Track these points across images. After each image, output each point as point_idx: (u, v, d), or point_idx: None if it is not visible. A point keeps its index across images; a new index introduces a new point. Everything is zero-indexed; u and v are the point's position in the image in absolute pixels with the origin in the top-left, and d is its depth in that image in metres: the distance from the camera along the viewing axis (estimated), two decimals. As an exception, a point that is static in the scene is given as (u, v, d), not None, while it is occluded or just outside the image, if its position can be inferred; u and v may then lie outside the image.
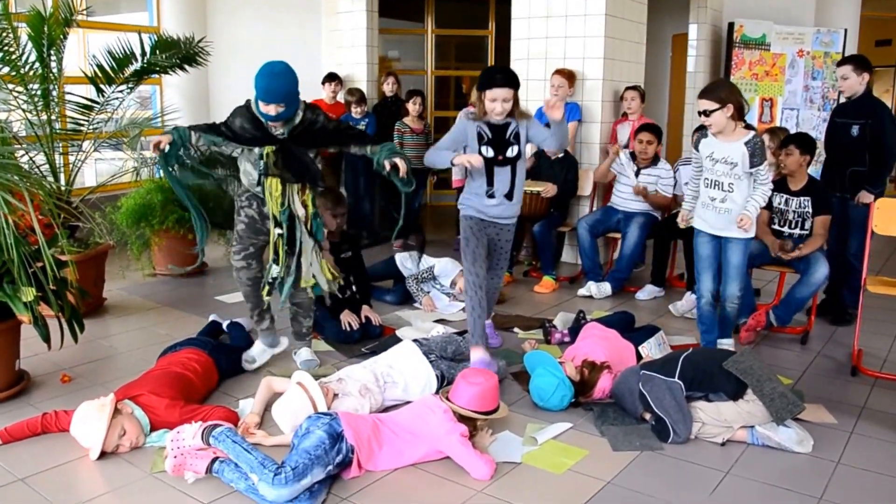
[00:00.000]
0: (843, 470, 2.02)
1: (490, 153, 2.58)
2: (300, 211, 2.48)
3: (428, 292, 3.60)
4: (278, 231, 2.48)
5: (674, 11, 6.22)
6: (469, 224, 2.68)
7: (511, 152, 2.59)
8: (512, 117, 2.57)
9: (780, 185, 3.24)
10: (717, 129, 2.61)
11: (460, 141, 2.62)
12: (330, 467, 1.87)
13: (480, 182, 2.63)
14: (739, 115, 2.59)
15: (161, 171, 2.45)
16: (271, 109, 2.31)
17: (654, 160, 3.86)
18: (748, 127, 2.72)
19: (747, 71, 5.59)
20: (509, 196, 2.64)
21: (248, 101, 2.41)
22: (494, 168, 2.60)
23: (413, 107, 4.82)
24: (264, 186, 2.44)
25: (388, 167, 2.40)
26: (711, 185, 2.68)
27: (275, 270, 2.52)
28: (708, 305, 2.79)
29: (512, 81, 2.52)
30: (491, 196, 2.62)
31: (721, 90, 2.59)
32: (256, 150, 2.41)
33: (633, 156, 3.91)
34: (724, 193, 2.65)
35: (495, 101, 2.49)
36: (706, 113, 2.58)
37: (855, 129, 3.28)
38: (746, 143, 2.58)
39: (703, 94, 2.61)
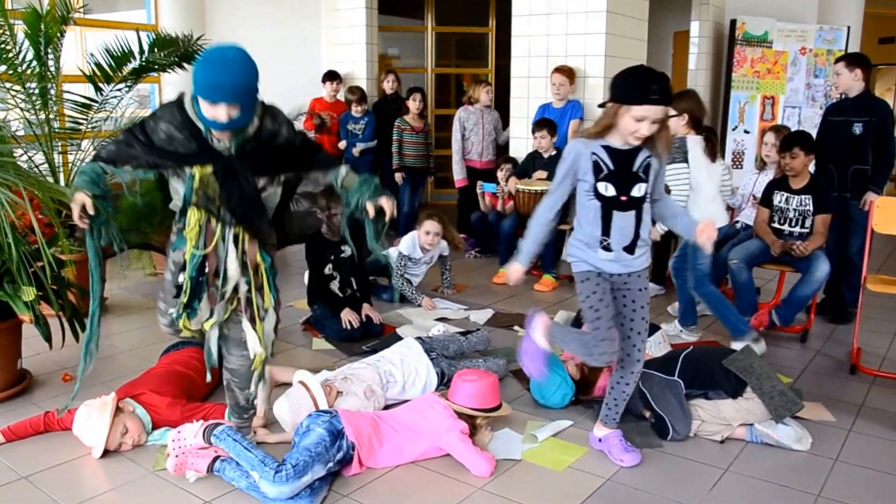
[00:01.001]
0: (841, 467, 2.03)
1: (610, 192, 1.85)
2: (232, 266, 1.78)
3: (422, 295, 3.56)
4: (179, 277, 1.82)
5: (675, 8, 6.20)
6: (585, 277, 1.93)
7: (638, 191, 1.87)
8: (645, 143, 1.86)
9: (781, 183, 3.24)
10: (675, 132, 2.85)
11: (571, 175, 1.90)
12: (331, 464, 1.87)
13: (593, 228, 1.89)
14: (695, 124, 2.93)
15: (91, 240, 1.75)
16: (221, 113, 1.62)
17: None
18: (706, 130, 3.03)
19: (749, 69, 5.58)
20: (630, 249, 1.91)
21: (180, 98, 1.72)
22: (613, 212, 1.87)
23: (413, 104, 4.82)
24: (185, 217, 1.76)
25: (371, 212, 1.80)
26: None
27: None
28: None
29: (669, 96, 1.83)
30: (606, 248, 1.90)
31: (683, 100, 2.90)
32: (187, 169, 1.73)
33: None
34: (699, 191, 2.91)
35: (642, 122, 1.78)
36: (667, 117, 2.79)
37: (857, 128, 3.27)
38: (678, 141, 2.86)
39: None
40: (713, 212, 2.89)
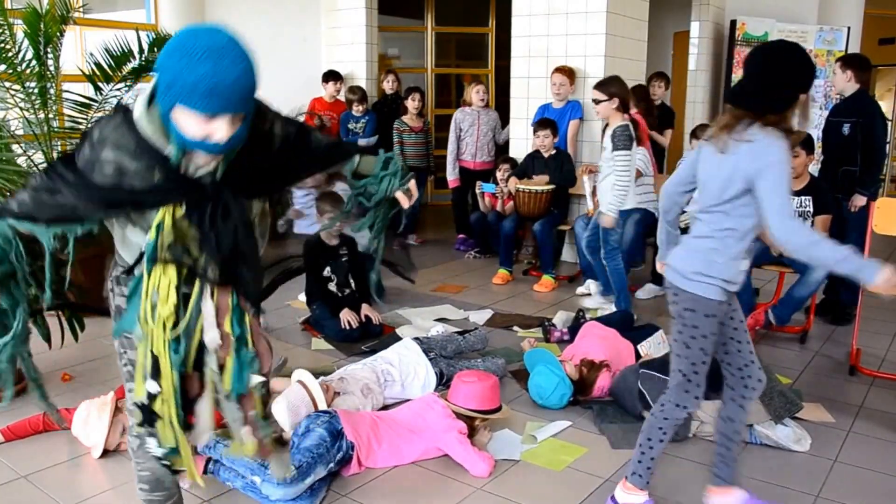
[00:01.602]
0: (840, 468, 2.03)
1: None
2: (211, 335, 1.17)
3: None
4: (151, 390, 1.16)
5: (675, 9, 6.20)
6: (713, 310, 1.60)
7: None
8: None
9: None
10: (603, 117, 3.18)
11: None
12: (331, 465, 1.88)
13: (750, 235, 1.59)
14: (624, 108, 3.16)
15: None
16: (220, 130, 1.10)
17: None
18: (633, 120, 3.21)
19: (748, 68, 5.57)
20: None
21: (127, 113, 1.15)
22: None
23: (412, 103, 4.82)
24: (146, 283, 1.15)
25: (404, 202, 1.41)
26: (600, 167, 3.27)
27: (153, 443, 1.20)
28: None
29: None
30: (748, 255, 1.65)
31: (612, 85, 3.12)
32: (150, 214, 1.16)
33: None
34: (603, 175, 3.22)
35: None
36: (596, 101, 3.13)
37: (846, 128, 3.28)
38: (613, 131, 3.10)
39: (597, 86, 3.13)
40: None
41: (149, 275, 1.14)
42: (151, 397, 1.16)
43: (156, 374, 1.15)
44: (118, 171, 1.13)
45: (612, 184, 3.12)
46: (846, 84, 3.29)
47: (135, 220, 1.20)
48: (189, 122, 1.10)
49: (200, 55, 1.06)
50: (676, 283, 1.64)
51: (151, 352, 1.15)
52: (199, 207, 1.15)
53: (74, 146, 1.29)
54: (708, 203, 1.60)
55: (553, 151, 4.06)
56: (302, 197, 3.09)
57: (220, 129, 1.10)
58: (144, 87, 1.15)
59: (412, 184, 1.43)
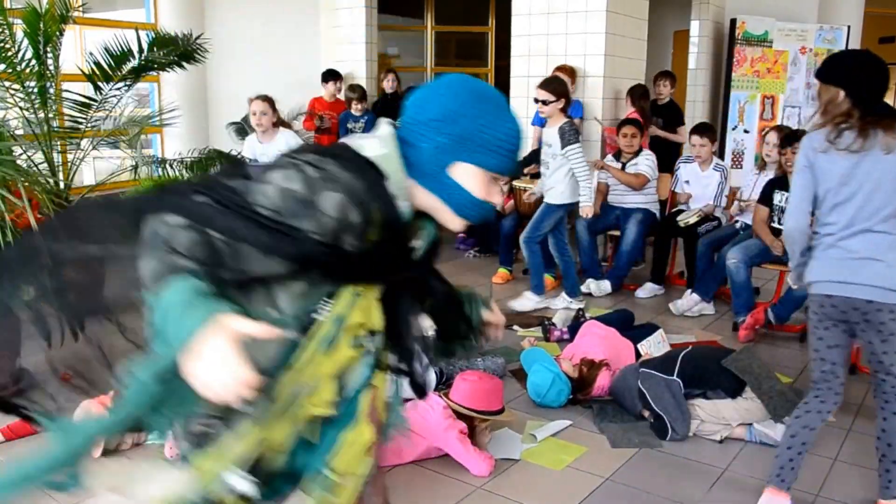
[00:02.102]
0: (839, 467, 2.03)
1: None
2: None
3: None
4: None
5: (675, 8, 6.20)
6: (822, 311, 1.68)
7: None
8: None
9: (781, 182, 3.24)
10: (547, 115, 3.30)
11: None
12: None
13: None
14: (566, 106, 3.34)
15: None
16: (497, 193, 0.96)
17: (638, 152, 3.89)
18: (568, 117, 3.39)
19: (749, 68, 5.57)
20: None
21: (376, 157, 0.88)
22: None
23: None
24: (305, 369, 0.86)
25: (497, 326, 1.22)
26: (542, 164, 3.42)
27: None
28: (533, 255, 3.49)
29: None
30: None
31: (557, 86, 3.28)
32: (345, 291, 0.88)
33: (618, 154, 3.96)
34: (545, 170, 3.38)
35: None
36: (544, 102, 3.23)
37: None
38: (559, 129, 3.24)
39: (543, 86, 3.25)
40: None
41: (307, 360, 0.85)
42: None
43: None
44: (340, 226, 0.83)
45: (563, 177, 3.32)
46: None
47: (313, 292, 0.87)
48: (476, 182, 0.92)
49: (507, 109, 0.93)
50: (887, 299, 1.61)
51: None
52: (403, 289, 0.97)
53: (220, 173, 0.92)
54: (885, 209, 1.61)
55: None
56: None
57: (497, 193, 0.95)
58: (382, 132, 0.91)
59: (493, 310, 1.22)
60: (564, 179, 3.32)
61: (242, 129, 5.54)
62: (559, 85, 3.30)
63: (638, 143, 3.88)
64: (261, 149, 3.50)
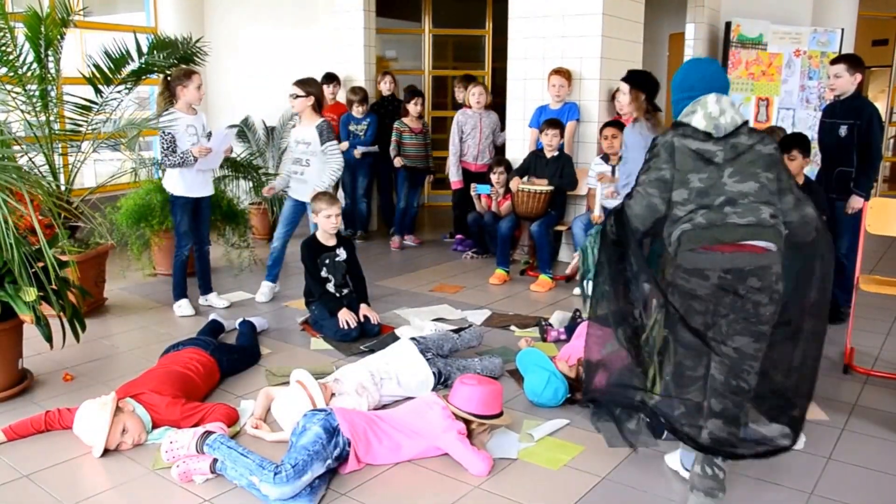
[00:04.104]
0: (833, 465, 2.06)
1: None
2: None
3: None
4: None
5: (671, 10, 6.24)
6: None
7: None
8: None
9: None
10: (298, 111, 3.53)
11: None
12: (329, 461, 1.89)
13: None
14: (319, 106, 3.54)
15: None
16: None
17: None
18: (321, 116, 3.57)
19: (744, 70, 5.61)
20: None
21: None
22: None
23: (414, 107, 4.84)
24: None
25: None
26: (295, 161, 3.58)
27: None
28: (278, 251, 3.65)
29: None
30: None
31: (310, 84, 3.51)
32: None
33: (605, 157, 3.98)
34: (303, 168, 3.53)
35: None
36: (295, 97, 3.47)
37: (843, 130, 3.29)
38: (317, 127, 3.47)
39: (298, 83, 3.49)
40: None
41: None
42: None
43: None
44: None
45: (318, 171, 3.51)
46: (851, 86, 3.30)
47: None
48: None
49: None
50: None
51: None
52: None
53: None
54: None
55: (556, 153, 4.09)
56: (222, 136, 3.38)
57: None
58: None
59: None
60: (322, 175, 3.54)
61: (242, 132, 5.56)
62: (310, 84, 3.54)
63: (619, 144, 3.87)
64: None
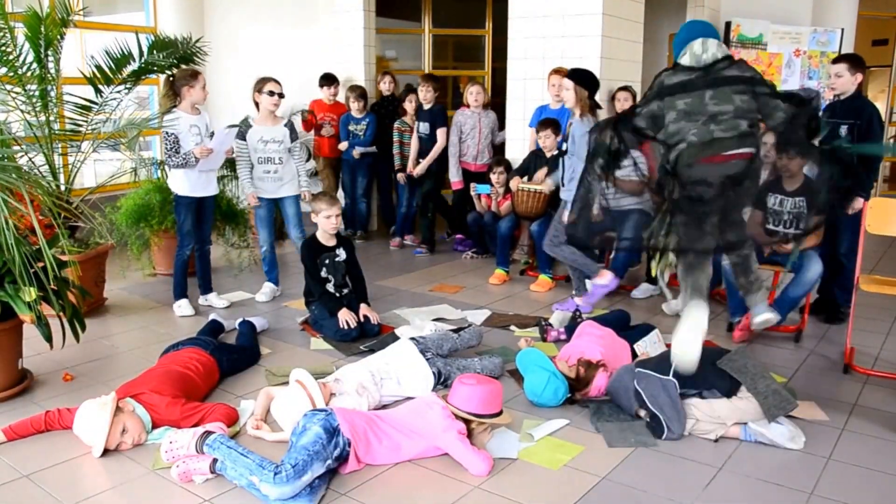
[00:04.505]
0: (833, 466, 2.06)
1: None
2: None
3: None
4: None
5: (671, 10, 6.24)
6: None
7: None
8: None
9: (775, 185, 3.26)
10: (276, 111, 3.62)
11: None
12: (329, 461, 1.89)
13: None
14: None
15: None
16: None
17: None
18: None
19: (743, 70, 5.61)
20: None
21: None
22: None
23: (409, 105, 4.84)
24: None
25: None
26: (265, 161, 3.60)
27: None
28: (269, 252, 3.72)
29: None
30: None
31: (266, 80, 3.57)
32: None
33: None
34: (276, 166, 3.61)
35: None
36: (282, 95, 3.58)
37: (843, 130, 3.29)
38: (286, 125, 3.62)
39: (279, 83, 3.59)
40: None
41: None
42: None
43: None
44: None
45: (290, 167, 3.66)
46: (852, 86, 3.29)
47: None
48: None
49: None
50: None
51: None
52: None
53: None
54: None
55: (555, 151, 4.09)
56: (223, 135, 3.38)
57: None
58: None
59: None
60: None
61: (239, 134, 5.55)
62: (267, 81, 3.63)
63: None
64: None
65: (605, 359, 2.50)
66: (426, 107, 4.70)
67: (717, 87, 2.08)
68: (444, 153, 4.76)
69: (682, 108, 2.11)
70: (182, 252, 3.41)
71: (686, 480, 1.97)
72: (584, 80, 3.22)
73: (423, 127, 4.72)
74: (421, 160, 4.74)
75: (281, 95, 3.56)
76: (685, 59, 2.17)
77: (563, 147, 3.41)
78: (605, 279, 3.34)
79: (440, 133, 4.68)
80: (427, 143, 4.73)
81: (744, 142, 2.08)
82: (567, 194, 3.30)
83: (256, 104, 3.63)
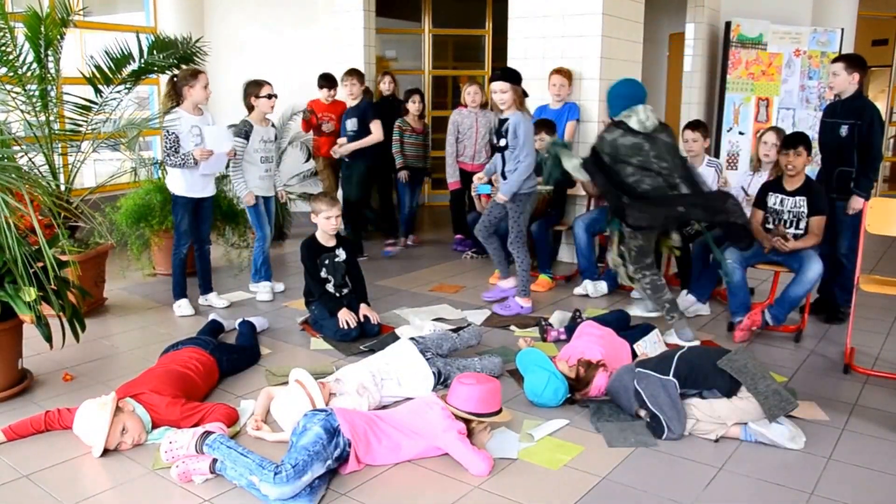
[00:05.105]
0: (834, 466, 2.06)
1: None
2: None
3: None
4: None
5: (671, 10, 6.24)
6: None
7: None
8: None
9: (775, 184, 3.27)
10: (270, 112, 3.74)
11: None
12: (329, 462, 1.89)
13: None
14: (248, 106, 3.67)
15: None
16: None
17: None
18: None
19: (744, 70, 5.62)
20: None
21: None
22: None
23: (413, 106, 4.83)
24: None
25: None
26: (263, 161, 3.68)
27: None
28: (266, 251, 3.77)
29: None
30: None
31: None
32: None
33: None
34: (270, 164, 3.73)
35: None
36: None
37: (844, 130, 3.28)
38: (273, 126, 3.75)
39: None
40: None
41: None
42: None
43: None
44: None
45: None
46: (850, 86, 3.29)
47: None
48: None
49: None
50: None
51: None
52: None
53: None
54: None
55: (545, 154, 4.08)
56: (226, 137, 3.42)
57: None
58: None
59: None
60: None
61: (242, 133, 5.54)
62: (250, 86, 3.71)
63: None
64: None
65: (605, 359, 2.50)
66: (352, 103, 4.47)
67: (658, 149, 2.77)
68: (443, 152, 4.74)
69: (636, 164, 2.80)
70: (179, 251, 3.42)
71: (686, 480, 1.97)
72: (515, 78, 3.35)
73: (351, 123, 4.42)
74: (347, 159, 4.49)
75: (276, 96, 3.66)
76: (634, 123, 2.78)
77: (503, 143, 3.41)
78: (507, 283, 3.65)
79: (374, 125, 4.42)
80: (356, 140, 4.44)
81: (678, 187, 2.83)
82: (506, 187, 3.45)
83: (249, 107, 3.63)
